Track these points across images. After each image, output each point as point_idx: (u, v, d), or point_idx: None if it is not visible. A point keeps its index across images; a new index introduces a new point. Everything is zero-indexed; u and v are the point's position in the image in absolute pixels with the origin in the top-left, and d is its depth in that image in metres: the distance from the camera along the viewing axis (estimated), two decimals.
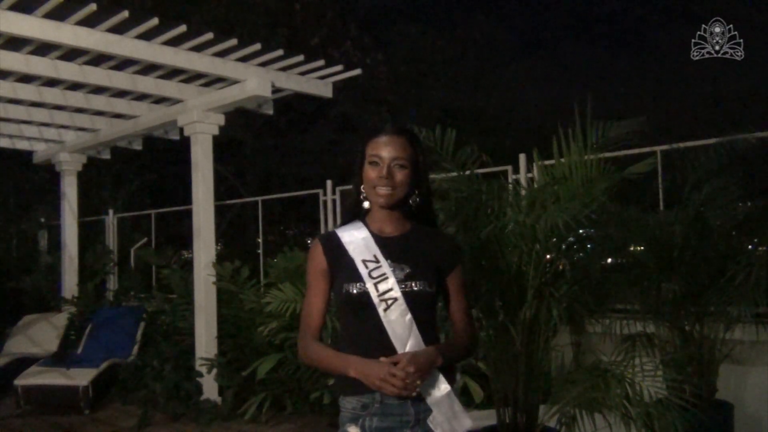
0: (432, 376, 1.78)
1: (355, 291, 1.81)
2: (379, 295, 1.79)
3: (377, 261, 1.83)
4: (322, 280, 1.90)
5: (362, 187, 1.90)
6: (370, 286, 1.80)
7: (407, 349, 1.77)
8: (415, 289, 1.81)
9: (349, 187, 1.99)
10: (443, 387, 1.80)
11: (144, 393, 5.78)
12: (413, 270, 1.83)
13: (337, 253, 1.88)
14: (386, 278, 1.81)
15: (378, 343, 1.77)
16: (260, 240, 9.15)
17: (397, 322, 1.78)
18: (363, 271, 1.82)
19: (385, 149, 1.84)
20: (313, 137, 12.76)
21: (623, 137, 3.01)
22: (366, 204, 1.92)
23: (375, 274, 1.81)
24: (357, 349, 1.79)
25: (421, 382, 1.72)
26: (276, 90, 5.60)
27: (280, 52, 5.24)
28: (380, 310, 1.78)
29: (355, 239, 1.88)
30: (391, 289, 1.79)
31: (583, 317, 3.33)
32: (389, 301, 1.79)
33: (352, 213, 1.96)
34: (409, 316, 1.79)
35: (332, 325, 4.32)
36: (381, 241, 1.88)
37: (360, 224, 1.92)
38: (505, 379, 3.11)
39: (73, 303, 7.48)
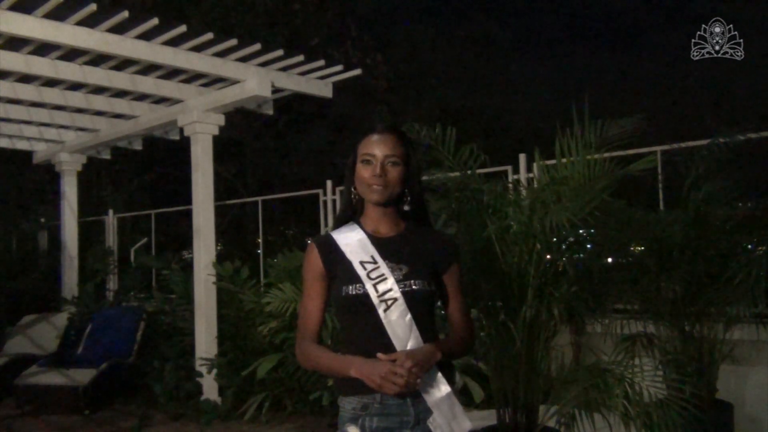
0: (432, 377, 1.78)
1: (353, 292, 1.80)
2: (379, 296, 1.78)
3: (375, 262, 1.82)
4: (320, 283, 1.88)
5: (354, 187, 1.90)
6: (369, 287, 1.79)
7: (407, 349, 1.76)
8: (414, 288, 1.81)
9: None
10: (443, 388, 1.80)
11: (144, 393, 5.78)
12: (411, 269, 1.83)
13: (333, 256, 1.87)
14: (385, 279, 1.80)
15: (378, 344, 1.76)
16: (260, 240, 9.15)
17: (397, 322, 1.77)
18: (361, 272, 1.81)
19: (377, 147, 1.84)
20: (313, 137, 12.76)
21: (623, 135, 3.01)
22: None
23: (373, 275, 1.80)
24: (357, 351, 1.77)
25: (421, 379, 1.71)
26: (276, 90, 5.60)
27: (280, 52, 5.24)
28: (380, 311, 1.78)
29: (351, 241, 1.87)
30: (390, 290, 1.79)
31: (583, 317, 3.33)
32: (389, 302, 1.78)
33: (346, 215, 1.96)
34: (409, 316, 1.78)
35: (332, 324, 4.32)
36: (377, 241, 1.87)
37: (354, 225, 1.92)
38: (505, 379, 3.10)
39: (73, 303, 7.48)
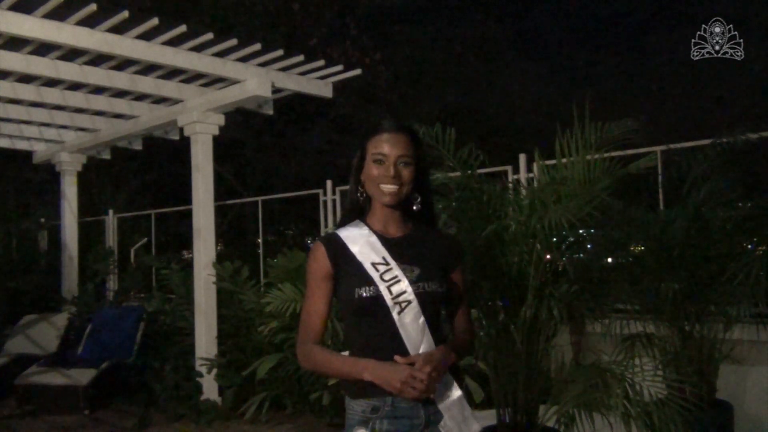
0: (444, 380, 1.76)
1: (366, 294, 1.76)
2: (393, 298, 1.75)
3: (387, 263, 1.79)
4: (326, 283, 1.84)
5: (361, 185, 1.86)
6: (383, 289, 1.75)
7: (420, 352, 1.74)
8: (428, 289, 1.78)
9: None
10: (455, 392, 1.78)
11: (144, 393, 5.78)
12: (423, 271, 1.80)
13: (341, 256, 1.82)
14: (399, 281, 1.76)
15: (391, 347, 1.73)
16: (260, 240, 9.15)
17: (411, 325, 1.75)
18: (374, 274, 1.77)
19: (389, 147, 1.80)
20: (313, 137, 12.77)
21: (622, 136, 3.01)
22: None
23: (387, 276, 1.77)
24: (368, 355, 1.74)
25: (439, 382, 1.69)
26: (276, 90, 5.60)
27: (280, 52, 5.24)
28: (394, 313, 1.74)
29: (360, 241, 1.83)
30: (405, 292, 1.76)
31: (583, 317, 3.33)
32: (403, 304, 1.75)
33: (352, 213, 1.91)
34: (422, 319, 1.76)
35: (332, 326, 4.32)
36: (386, 241, 1.83)
37: (362, 224, 1.87)
38: (505, 379, 3.10)
39: (73, 303, 7.48)
